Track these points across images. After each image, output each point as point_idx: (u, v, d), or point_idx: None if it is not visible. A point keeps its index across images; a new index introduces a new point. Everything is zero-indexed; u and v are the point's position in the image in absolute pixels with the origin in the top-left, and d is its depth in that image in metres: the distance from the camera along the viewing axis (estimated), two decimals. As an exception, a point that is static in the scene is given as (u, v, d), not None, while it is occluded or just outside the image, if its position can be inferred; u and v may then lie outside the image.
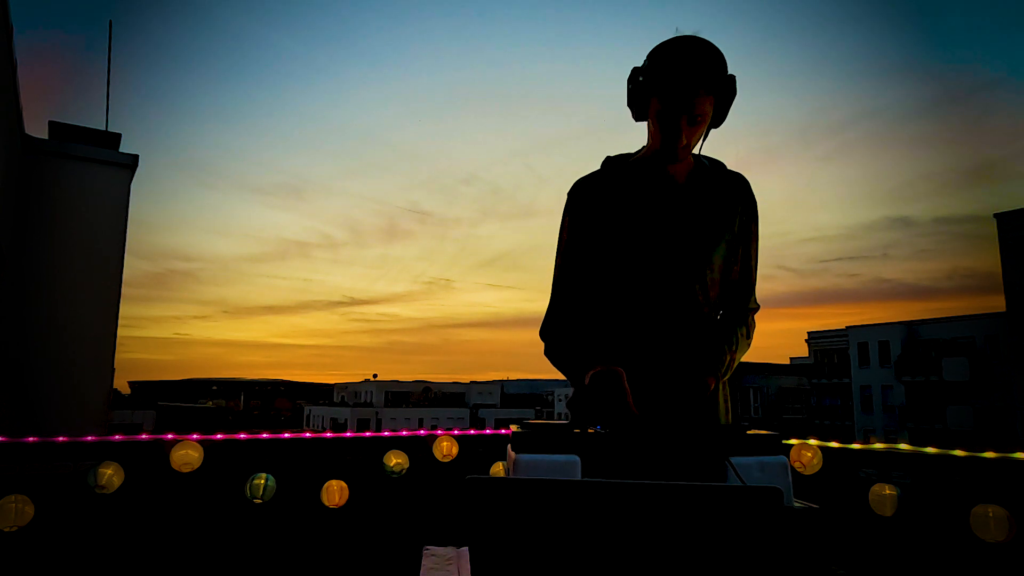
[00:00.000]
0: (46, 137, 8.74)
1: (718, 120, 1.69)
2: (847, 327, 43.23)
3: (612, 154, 1.86)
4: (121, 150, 9.00)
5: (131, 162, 8.80)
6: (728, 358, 1.70)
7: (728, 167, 1.85)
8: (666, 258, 1.72)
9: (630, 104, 1.73)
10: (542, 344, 1.85)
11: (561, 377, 1.82)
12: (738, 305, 1.83)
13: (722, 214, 1.76)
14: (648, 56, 1.65)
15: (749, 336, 1.79)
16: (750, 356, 1.87)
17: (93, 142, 8.84)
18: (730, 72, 1.64)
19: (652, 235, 1.73)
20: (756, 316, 1.88)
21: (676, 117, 1.60)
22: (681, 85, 1.57)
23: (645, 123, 1.75)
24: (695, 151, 1.75)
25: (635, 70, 1.69)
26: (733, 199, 1.79)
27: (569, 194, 1.83)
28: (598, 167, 1.86)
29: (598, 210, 1.77)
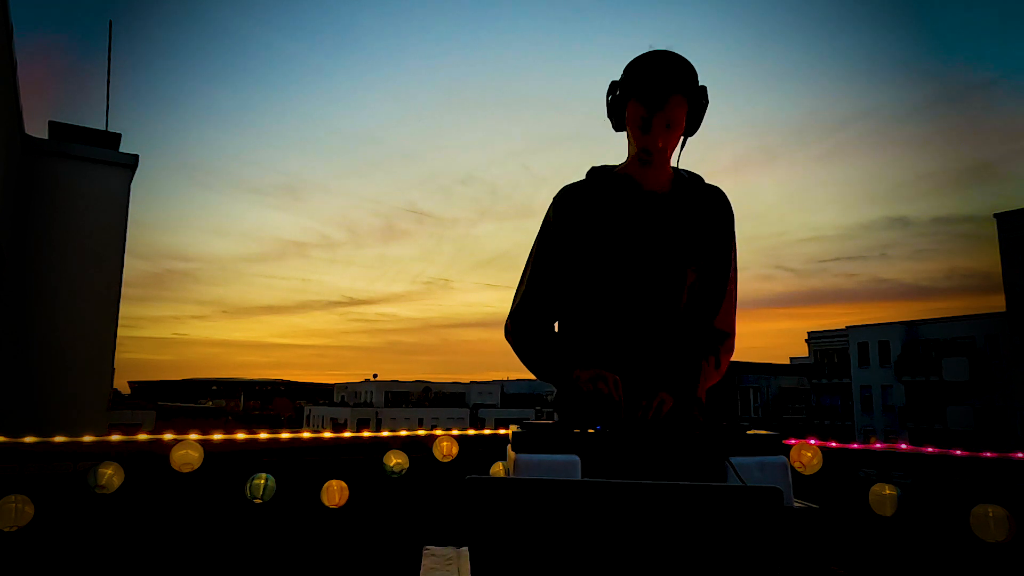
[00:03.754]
0: (46, 137, 8.73)
1: (692, 128, 1.76)
2: (847, 327, 43.21)
3: (597, 164, 1.90)
4: (121, 150, 9.00)
5: (131, 162, 8.80)
6: (700, 382, 1.73)
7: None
8: (643, 268, 1.76)
9: (610, 115, 1.81)
10: None
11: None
12: (710, 322, 1.83)
13: (700, 226, 1.81)
14: (624, 69, 1.74)
15: (719, 366, 1.80)
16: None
17: (93, 142, 8.83)
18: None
19: (631, 245, 1.77)
20: (741, 326, 1.89)
21: (652, 119, 1.68)
22: (655, 88, 1.66)
23: (626, 133, 1.81)
24: (673, 162, 1.81)
25: (613, 83, 1.78)
26: (711, 212, 1.83)
27: (555, 199, 1.87)
28: (594, 168, 1.89)
29: (581, 220, 1.81)
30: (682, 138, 1.77)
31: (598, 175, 1.86)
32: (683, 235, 1.78)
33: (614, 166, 1.87)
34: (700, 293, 1.79)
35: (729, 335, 1.85)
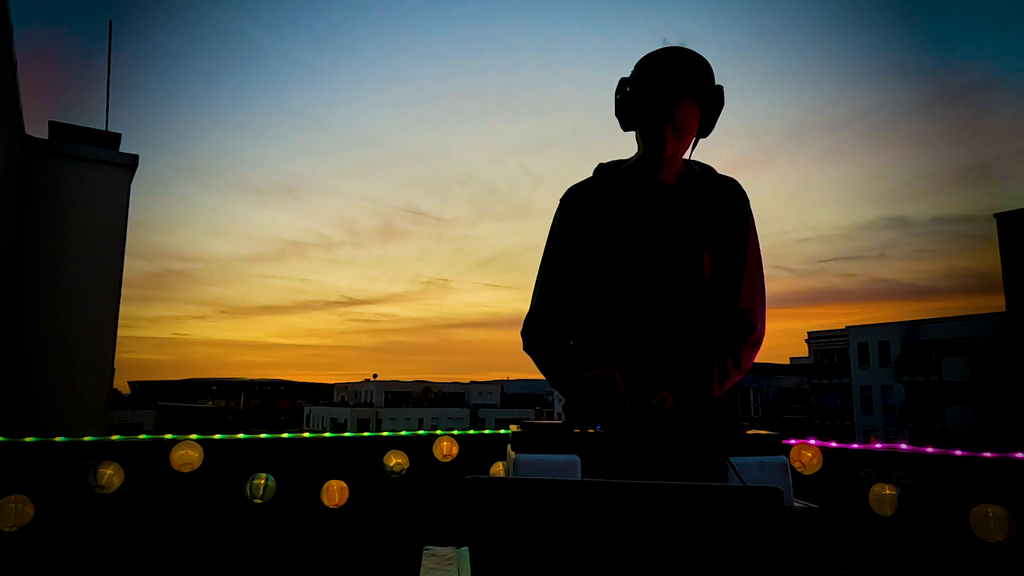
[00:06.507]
0: (46, 137, 8.73)
1: (705, 130, 1.69)
2: (847, 327, 43.21)
3: (605, 161, 1.87)
4: (121, 150, 9.00)
5: (131, 162, 8.80)
6: (717, 381, 1.67)
7: (718, 171, 1.84)
8: (653, 262, 1.71)
9: (618, 114, 1.74)
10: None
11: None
12: (732, 314, 1.74)
13: (710, 218, 1.74)
14: (635, 67, 1.66)
15: (738, 364, 1.69)
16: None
17: (93, 142, 8.83)
18: (718, 82, 1.64)
19: (639, 239, 1.72)
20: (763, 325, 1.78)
21: (660, 127, 1.62)
22: (665, 95, 1.58)
23: (634, 132, 1.75)
24: (685, 158, 1.75)
25: (623, 80, 1.70)
26: (722, 203, 1.77)
27: (562, 200, 1.84)
28: (592, 169, 1.87)
29: (589, 217, 1.77)
30: (695, 139, 1.70)
31: (606, 171, 1.83)
32: (694, 222, 1.72)
33: (623, 160, 1.83)
34: (716, 282, 1.73)
35: (754, 327, 1.74)
